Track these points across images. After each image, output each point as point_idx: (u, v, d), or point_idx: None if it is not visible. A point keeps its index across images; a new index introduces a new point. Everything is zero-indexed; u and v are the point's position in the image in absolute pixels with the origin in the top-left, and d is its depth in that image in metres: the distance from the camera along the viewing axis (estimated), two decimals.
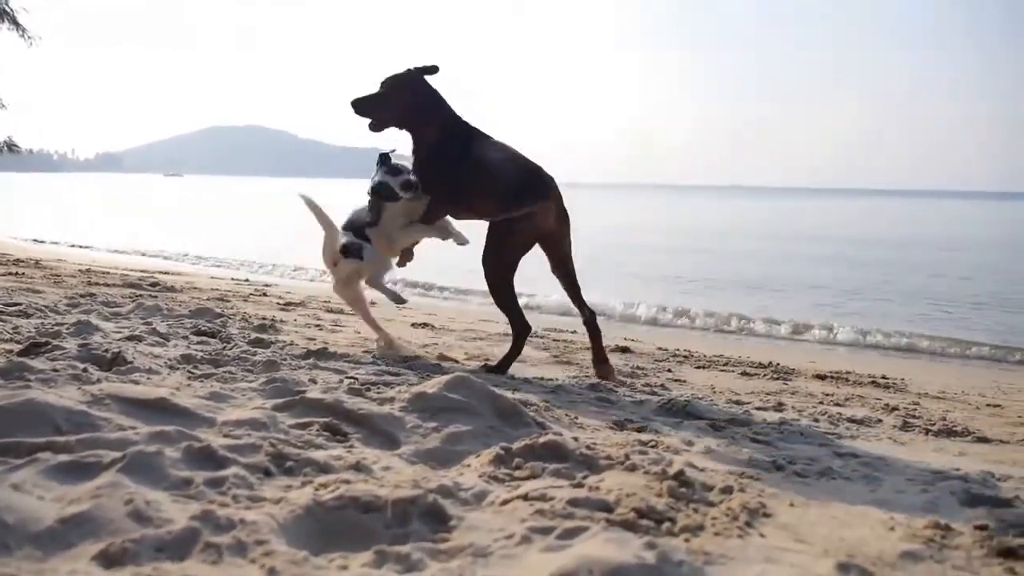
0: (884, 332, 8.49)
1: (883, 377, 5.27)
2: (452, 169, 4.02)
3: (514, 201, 3.82)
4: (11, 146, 14.20)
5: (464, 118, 4.18)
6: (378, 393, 2.59)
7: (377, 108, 4.15)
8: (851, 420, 3.47)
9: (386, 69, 4.24)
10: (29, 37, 13.46)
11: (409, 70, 4.14)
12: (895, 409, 3.93)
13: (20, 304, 4.40)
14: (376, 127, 4.18)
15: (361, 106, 4.15)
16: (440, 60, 4.18)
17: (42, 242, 15.70)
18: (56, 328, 3.56)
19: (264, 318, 5.39)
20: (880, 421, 3.53)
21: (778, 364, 5.56)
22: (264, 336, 4.33)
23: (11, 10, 13.48)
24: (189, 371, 2.91)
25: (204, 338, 4.01)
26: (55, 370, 2.26)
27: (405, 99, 4.12)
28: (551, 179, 3.97)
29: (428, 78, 4.16)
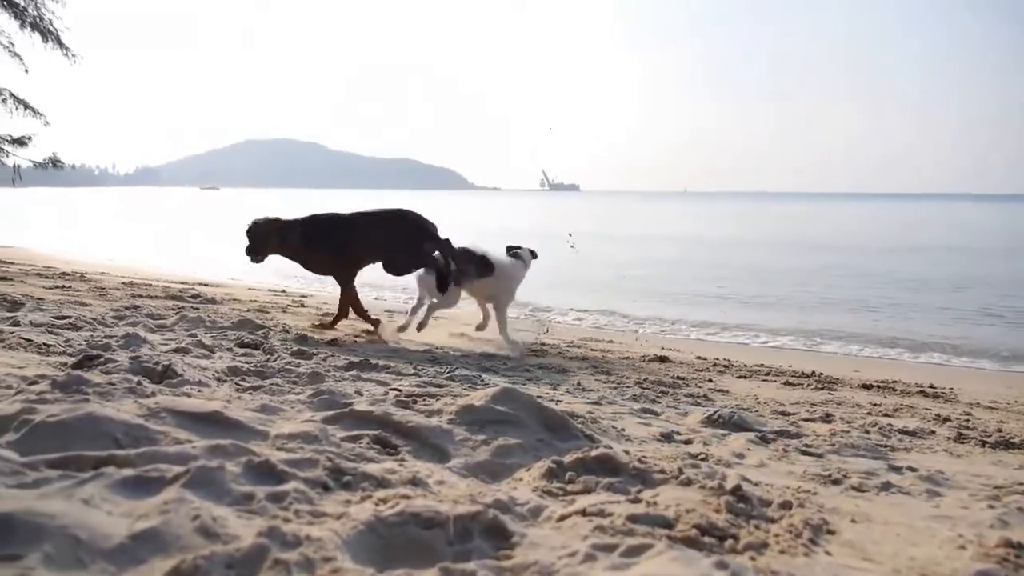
0: (926, 341, 8.32)
1: (931, 386, 5.15)
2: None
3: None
4: (55, 162, 14.55)
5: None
6: (425, 405, 2.59)
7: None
8: (903, 432, 3.38)
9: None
10: (73, 56, 13.80)
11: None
12: (947, 420, 3.84)
13: (70, 317, 4.49)
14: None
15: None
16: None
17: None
18: (106, 341, 3.62)
19: (304, 329, 5.44)
20: (933, 432, 3.44)
21: (821, 374, 5.47)
22: (306, 348, 4.37)
23: (55, 30, 13.83)
24: (237, 383, 2.94)
25: (248, 350, 4.06)
26: (111, 383, 2.30)
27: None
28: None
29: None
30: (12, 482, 1.46)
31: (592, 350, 6.11)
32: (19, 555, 1.08)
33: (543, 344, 6.21)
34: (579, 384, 4.20)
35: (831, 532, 1.67)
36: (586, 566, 1.27)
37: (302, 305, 8.10)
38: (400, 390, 3.08)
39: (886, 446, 2.99)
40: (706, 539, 1.48)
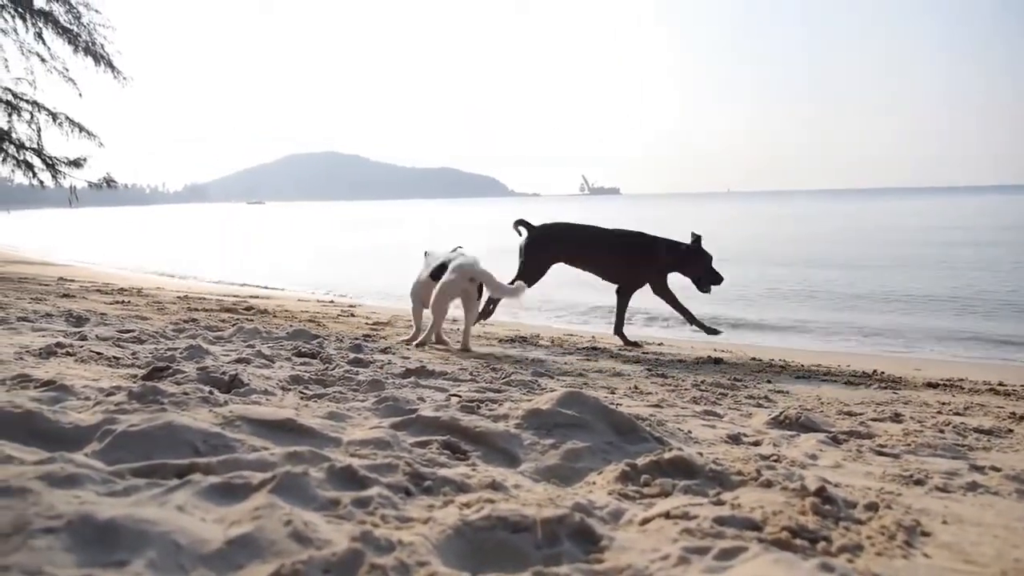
0: (990, 338, 8.05)
1: (1000, 384, 4.97)
2: None
3: None
4: (109, 182, 15.03)
5: None
6: (489, 410, 2.59)
7: None
8: (978, 431, 3.26)
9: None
10: (124, 79, 14.24)
11: None
12: (1023, 418, 3.69)
13: (133, 330, 4.61)
14: None
15: None
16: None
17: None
18: (170, 353, 3.70)
19: (356, 339, 5.50)
20: (1011, 431, 3.30)
21: (882, 373, 5.32)
22: (362, 356, 4.40)
23: (107, 54, 14.28)
24: (301, 392, 2.97)
25: (306, 359, 4.11)
26: (185, 393, 2.34)
27: None
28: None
29: None
30: (103, 490, 1.49)
31: (644, 352, 6.05)
32: (126, 561, 1.10)
33: (594, 347, 6.17)
34: (636, 387, 4.16)
35: (925, 534, 1.61)
36: (680, 569, 1.24)
37: (352, 315, 8.20)
38: (460, 396, 3.09)
39: (963, 445, 2.88)
40: (798, 541, 1.43)
